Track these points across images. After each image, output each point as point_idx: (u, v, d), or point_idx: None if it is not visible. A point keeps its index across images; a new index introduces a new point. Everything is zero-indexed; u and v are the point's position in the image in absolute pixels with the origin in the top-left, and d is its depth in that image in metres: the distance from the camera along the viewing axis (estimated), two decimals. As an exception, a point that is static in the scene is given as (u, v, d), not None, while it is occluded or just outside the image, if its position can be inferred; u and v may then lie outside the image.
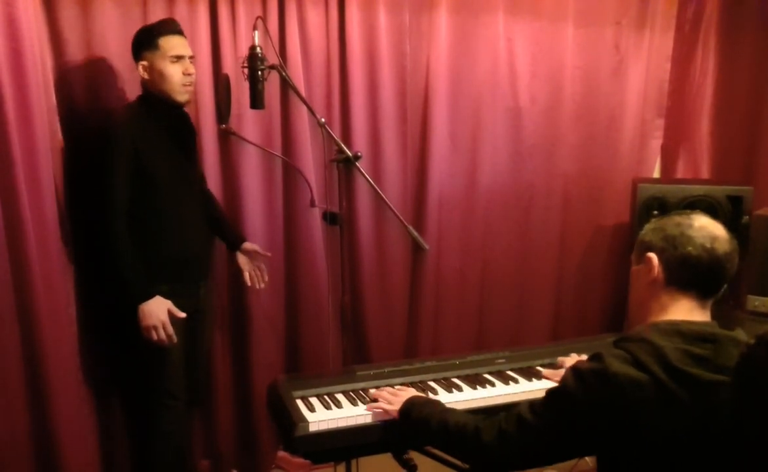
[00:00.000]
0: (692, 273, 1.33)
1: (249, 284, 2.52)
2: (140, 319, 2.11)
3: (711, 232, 1.33)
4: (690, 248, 1.32)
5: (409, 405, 1.64)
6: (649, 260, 1.37)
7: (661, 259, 1.36)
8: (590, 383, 1.29)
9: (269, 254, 2.56)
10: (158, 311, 2.12)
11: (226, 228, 2.54)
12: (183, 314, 2.17)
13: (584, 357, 1.57)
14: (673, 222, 1.37)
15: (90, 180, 2.20)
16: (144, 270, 2.13)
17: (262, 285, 2.55)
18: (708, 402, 1.22)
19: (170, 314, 2.14)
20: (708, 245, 1.31)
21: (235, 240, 2.52)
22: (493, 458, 1.43)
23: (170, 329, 2.14)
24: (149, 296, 2.12)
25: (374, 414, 1.71)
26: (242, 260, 2.52)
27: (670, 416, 1.23)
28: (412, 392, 1.76)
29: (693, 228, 1.34)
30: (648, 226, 1.43)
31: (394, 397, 1.72)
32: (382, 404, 1.72)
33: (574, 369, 1.34)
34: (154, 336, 2.12)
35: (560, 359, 1.99)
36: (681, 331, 1.29)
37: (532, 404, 1.40)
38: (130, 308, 2.13)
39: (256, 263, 2.53)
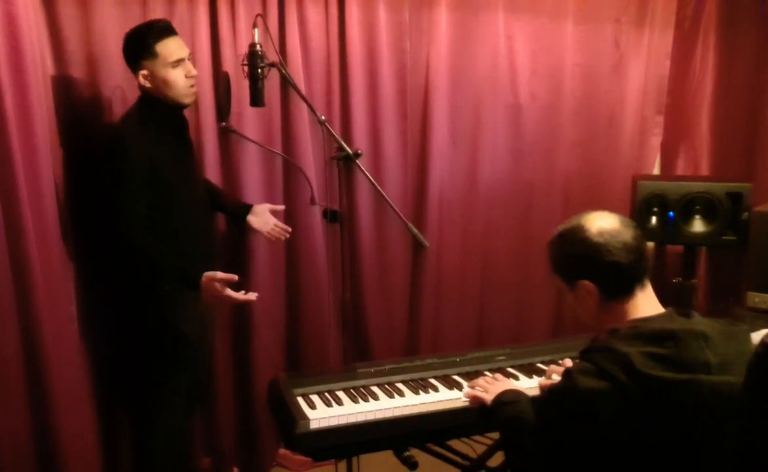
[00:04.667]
0: (623, 276, 1.35)
1: (273, 239, 2.48)
2: (207, 297, 2.08)
3: (611, 229, 1.35)
4: (606, 256, 1.33)
5: (499, 400, 1.62)
6: (583, 287, 1.38)
7: (593, 280, 1.36)
8: (561, 402, 1.34)
9: (283, 207, 2.54)
10: (210, 285, 2.06)
11: (230, 201, 2.52)
12: (235, 277, 2.10)
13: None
14: (577, 240, 1.37)
15: (90, 178, 2.20)
16: (163, 276, 2.13)
17: (287, 236, 2.50)
18: (677, 403, 1.22)
19: (222, 281, 2.06)
20: (618, 243, 1.33)
21: (241, 209, 2.49)
22: (509, 461, 1.55)
23: (228, 290, 2.08)
24: (199, 275, 2.07)
25: (469, 401, 1.75)
26: (255, 222, 2.45)
27: (641, 422, 1.24)
28: (507, 383, 1.76)
29: (594, 234, 1.35)
30: (553, 255, 1.44)
31: (490, 386, 1.73)
32: (477, 392, 1.73)
33: (549, 390, 1.40)
34: (235, 297, 2.07)
35: (550, 367, 1.89)
36: (641, 333, 1.29)
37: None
38: (145, 305, 2.14)
39: (265, 219, 2.47)
